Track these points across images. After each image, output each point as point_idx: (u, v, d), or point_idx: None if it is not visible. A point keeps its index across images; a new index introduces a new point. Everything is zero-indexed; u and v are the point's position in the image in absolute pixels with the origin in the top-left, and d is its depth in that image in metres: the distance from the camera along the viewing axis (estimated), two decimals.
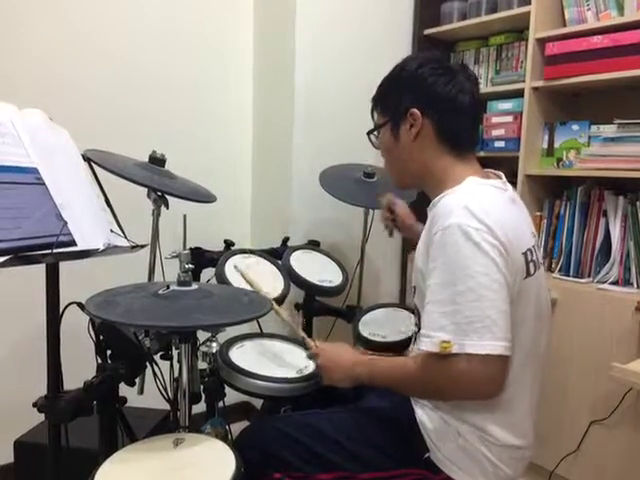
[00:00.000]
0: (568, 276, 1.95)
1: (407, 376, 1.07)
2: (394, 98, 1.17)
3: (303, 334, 1.32)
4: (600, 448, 1.75)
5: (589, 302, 1.77)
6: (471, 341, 0.94)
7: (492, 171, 1.19)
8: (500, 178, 1.17)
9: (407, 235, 1.60)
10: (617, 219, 1.85)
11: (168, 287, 1.12)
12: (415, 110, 1.12)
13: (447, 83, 1.11)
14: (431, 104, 1.12)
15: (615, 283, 1.83)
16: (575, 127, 1.99)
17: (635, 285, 1.79)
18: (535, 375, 1.12)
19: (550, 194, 2.07)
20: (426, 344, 0.99)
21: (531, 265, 1.06)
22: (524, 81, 2.01)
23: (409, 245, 2.45)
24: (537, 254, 1.10)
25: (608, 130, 1.85)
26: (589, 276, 1.91)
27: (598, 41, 1.82)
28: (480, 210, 0.99)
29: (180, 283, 1.13)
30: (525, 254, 1.05)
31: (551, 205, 2.04)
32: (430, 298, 1.00)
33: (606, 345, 1.71)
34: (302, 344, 1.34)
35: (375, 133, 1.25)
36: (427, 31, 2.39)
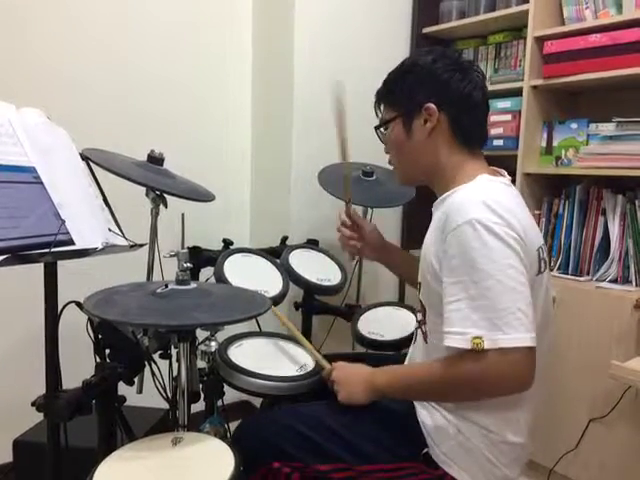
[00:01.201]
0: (567, 274, 1.95)
1: (435, 378, 1.04)
2: (407, 92, 1.15)
3: (318, 355, 1.30)
4: (599, 446, 1.75)
5: (588, 300, 1.77)
6: (504, 335, 0.93)
7: (496, 169, 1.19)
8: (504, 176, 1.17)
9: (375, 257, 1.52)
10: (616, 217, 1.85)
11: (166, 286, 1.11)
12: (431, 105, 1.11)
13: (462, 79, 1.11)
14: (447, 100, 1.11)
15: (614, 281, 1.83)
16: (574, 125, 1.99)
17: (634, 283, 1.79)
18: (538, 371, 1.12)
19: (549, 193, 2.07)
20: (457, 341, 0.96)
21: (542, 263, 1.07)
22: (523, 79, 2.02)
23: (409, 243, 2.45)
24: (545, 253, 1.10)
25: (607, 128, 1.85)
26: (588, 274, 1.91)
27: (596, 39, 1.82)
28: (498, 205, 0.99)
29: (178, 282, 1.13)
30: (538, 251, 1.05)
31: (550, 204, 2.04)
32: (459, 295, 0.97)
33: (605, 343, 1.72)
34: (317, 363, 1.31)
35: (382, 129, 1.23)
36: (426, 29, 2.39)
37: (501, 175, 1.17)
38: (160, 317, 0.98)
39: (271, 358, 1.36)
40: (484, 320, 0.94)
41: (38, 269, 1.07)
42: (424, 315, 1.15)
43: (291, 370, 1.29)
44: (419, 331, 1.22)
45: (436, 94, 1.12)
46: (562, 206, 2.00)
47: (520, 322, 0.93)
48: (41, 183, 1.04)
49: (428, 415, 1.10)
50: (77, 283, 1.33)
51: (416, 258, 1.23)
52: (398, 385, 1.11)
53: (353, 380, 1.16)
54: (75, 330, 1.15)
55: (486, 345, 0.93)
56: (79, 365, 1.17)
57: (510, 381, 0.97)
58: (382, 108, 1.23)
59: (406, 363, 1.27)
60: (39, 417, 1.08)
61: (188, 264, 1.15)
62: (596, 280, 1.86)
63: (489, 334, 0.93)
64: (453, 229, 0.99)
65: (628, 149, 1.78)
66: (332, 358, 1.40)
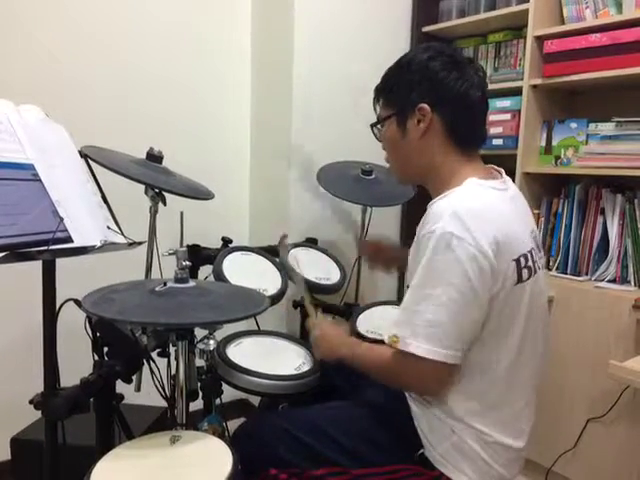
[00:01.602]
0: (566, 274, 1.95)
1: (379, 363, 1.10)
2: (402, 91, 1.12)
3: (308, 301, 1.38)
4: (597, 446, 1.76)
5: (587, 300, 1.77)
6: (416, 342, 0.98)
7: (494, 167, 1.18)
8: (501, 175, 1.16)
9: (397, 265, 1.63)
10: (615, 217, 1.85)
11: (165, 284, 1.11)
12: (424, 105, 1.09)
13: (458, 78, 1.08)
14: (441, 100, 1.09)
15: (613, 281, 1.83)
16: (573, 125, 1.99)
17: (632, 283, 1.79)
18: (533, 375, 1.12)
19: (548, 192, 2.07)
20: (383, 335, 1.08)
21: (524, 271, 1.04)
22: (522, 79, 2.01)
23: (408, 242, 2.44)
24: (534, 258, 1.07)
25: (606, 128, 1.85)
26: (587, 274, 1.91)
27: (596, 39, 1.82)
28: (469, 217, 0.98)
29: (177, 280, 1.13)
30: (518, 260, 1.02)
31: (549, 203, 2.04)
32: (405, 296, 1.05)
33: (603, 343, 1.72)
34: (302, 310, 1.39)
35: (379, 126, 1.21)
36: (425, 28, 2.39)
37: (498, 174, 1.16)
38: (159, 315, 0.98)
39: (269, 357, 1.36)
40: (406, 324, 1.01)
41: (36, 267, 1.07)
42: None
43: (289, 369, 1.29)
44: None
45: (430, 94, 1.09)
46: (561, 205, 2.00)
47: (438, 337, 0.98)
48: (39, 180, 1.04)
49: (423, 416, 1.10)
50: (75, 281, 1.33)
51: None
52: (358, 362, 1.16)
53: (325, 344, 1.24)
54: (73, 328, 1.15)
55: (399, 346, 1.01)
56: (77, 363, 1.17)
57: (414, 385, 1.08)
58: (380, 105, 1.21)
59: None
60: (37, 415, 1.08)
61: (187, 262, 1.15)
62: (595, 280, 1.86)
63: (405, 337, 1.00)
64: (423, 235, 1.02)
65: (627, 149, 1.78)
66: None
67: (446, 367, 0.99)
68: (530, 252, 1.06)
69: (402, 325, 1.02)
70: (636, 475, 1.65)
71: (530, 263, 1.06)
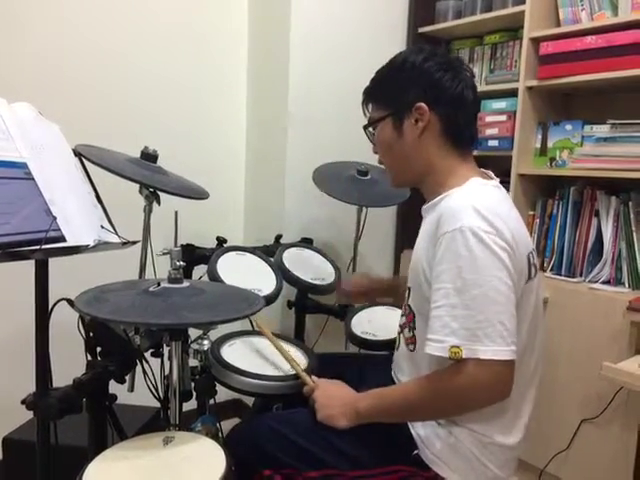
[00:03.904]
0: (560, 275, 1.95)
1: (416, 397, 1.03)
2: (396, 91, 1.13)
3: (299, 370, 1.25)
4: (590, 447, 1.76)
5: (581, 301, 1.78)
6: (483, 346, 0.93)
7: (484, 171, 1.18)
8: (492, 178, 1.16)
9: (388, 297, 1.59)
10: (609, 219, 1.85)
11: (159, 284, 1.10)
12: (422, 104, 1.09)
13: (453, 78, 1.10)
14: (438, 99, 1.09)
15: (607, 283, 1.84)
16: (568, 127, 1.99)
17: (626, 285, 1.80)
18: (531, 376, 1.12)
19: (543, 193, 2.07)
20: (436, 349, 0.97)
21: (532, 268, 1.06)
22: (518, 80, 2.01)
23: (403, 243, 2.45)
24: (536, 258, 1.10)
25: (601, 130, 1.86)
26: (581, 275, 1.91)
27: (592, 41, 1.82)
28: (489, 212, 0.98)
29: (171, 280, 1.12)
30: (528, 257, 1.04)
31: (544, 204, 2.05)
32: (441, 302, 0.97)
33: (597, 345, 1.72)
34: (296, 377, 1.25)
35: (370, 128, 1.20)
36: (422, 29, 2.39)
37: (489, 177, 1.16)
38: (153, 316, 0.97)
39: (264, 357, 1.35)
40: (464, 330, 0.94)
41: (29, 266, 1.06)
42: (413, 321, 1.14)
43: (284, 369, 1.29)
44: (401, 336, 1.22)
45: (427, 93, 1.10)
46: (556, 207, 2.00)
47: (499, 335, 0.93)
48: (32, 179, 1.03)
49: None
50: (68, 280, 1.32)
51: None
52: (381, 408, 1.08)
53: (334, 403, 1.12)
54: (66, 328, 1.14)
55: (464, 354, 0.94)
56: (70, 363, 1.16)
57: (488, 393, 0.98)
58: (370, 107, 1.20)
59: (392, 371, 1.26)
60: (29, 415, 1.07)
61: (181, 262, 1.14)
62: (589, 281, 1.87)
63: (468, 344, 0.94)
64: (443, 234, 0.99)
65: (622, 151, 1.78)
66: (324, 358, 1.41)
67: (512, 365, 0.95)
68: (533, 250, 1.08)
69: (458, 332, 0.94)
70: (629, 476, 1.65)
71: (534, 261, 1.07)
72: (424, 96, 1.09)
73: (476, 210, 0.97)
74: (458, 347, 0.94)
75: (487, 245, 0.95)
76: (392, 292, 1.56)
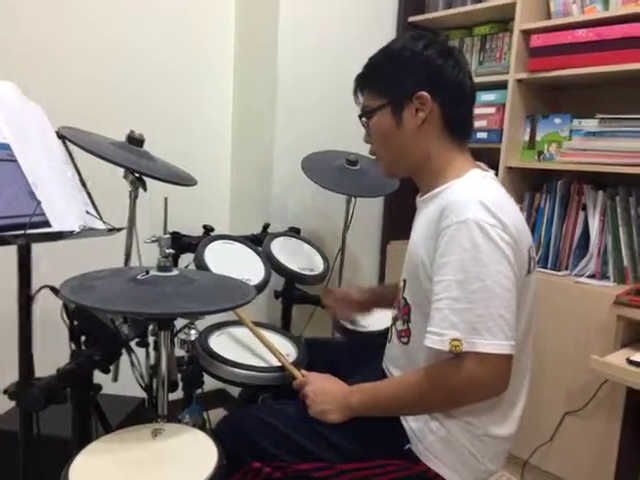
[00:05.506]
0: (546, 268, 1.96)
1: (413, 390, 1.03)
2: (396, 79, 1.09)
3: (287, 363, 1.23)
4: (574, 439, 1.78)
5: (566, 295, 1.78)
6: (483, 340, 0.92)
7: (478, 163, 1.17)
8: (487, 170, 1.15)
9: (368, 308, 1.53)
10: (596, 213, 1.86)
11: (147, 272, 1.07)
12: (424, 93, 1.06)
13: (454, 66, 1.07)
14: (440, 88, 1.06)
15: (592, 277, 1.85)
16: (557, 120, 2.00)
17: (612, 279, 1.81)
18: (525, 367, 1.12)
19: (530, 187, 2.08)
20: (435, 342, 0.96)
21: (532, 262, 1.06)
22: (508, 72, 2.01)
23: (390, 234, 2.44)
24: (534, 252, 1.10)
25: (590, 124, 1.86)
26: (567, 269, 1.92)
27: (583, 35, 1.82)
28: (495, 206, 0.96)
29: (160, 268, 1.09)
30: (529, 251, 1.04)
31: (531, 198, 2.05)
32: (442, 294, 0.96)
33: (582, 338, 1.73)
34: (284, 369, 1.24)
35: (366, 117, 1.15)
36: (412, 18, 2.37)
37: (484, 169, 1.15)
38: (144, 304, 0.94)
39: (252, 348, 1.33)
40: (464, 323, 0.93)
41: (11, 251, 1.02)
42: (408, 313, 1.12)
43: (272, 360, 1.27)
44: (393, 329, 1.20)
45: (429, 82, 1.06)
46: (543, 200, 2.01)
47: (500, 329, 0.93)
48: (15, 161, 0.99)
49: None
50: (49, 266, 1.27)
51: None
52: (374, 403, 1.07)
53: (326, 399, 1.10)
54: (49, 316, 1.11)
55: (464, 348, 0.93)
56: (53, 352, 1.12)
57: (487, 387, 0.97)
58: (364, 94, 1.16)
59: (384, 363, 1.25)
60: (10, 404, 1.04)
61: (170, 250, 1.11)
62: (575, 275, 1.88)
63: (467, 337, 0.93)
64: (447, 226, 0.97)
65: (610, 145, 1.79)
66: (313, 343, 1.39)
67: (511, 359, 0.95)
68: (532, 244, 1.08)
69: (458, 326, 0.93)
70: (612, 468, 1.67)
71: (533, 255, 1.07)
72: (425, 84, 1.06)
73: (483, 203, 0.96)
74: (458, 340, 0.93)
75: (492, 239, 0.94)
76: (376, 305, 1.51)
